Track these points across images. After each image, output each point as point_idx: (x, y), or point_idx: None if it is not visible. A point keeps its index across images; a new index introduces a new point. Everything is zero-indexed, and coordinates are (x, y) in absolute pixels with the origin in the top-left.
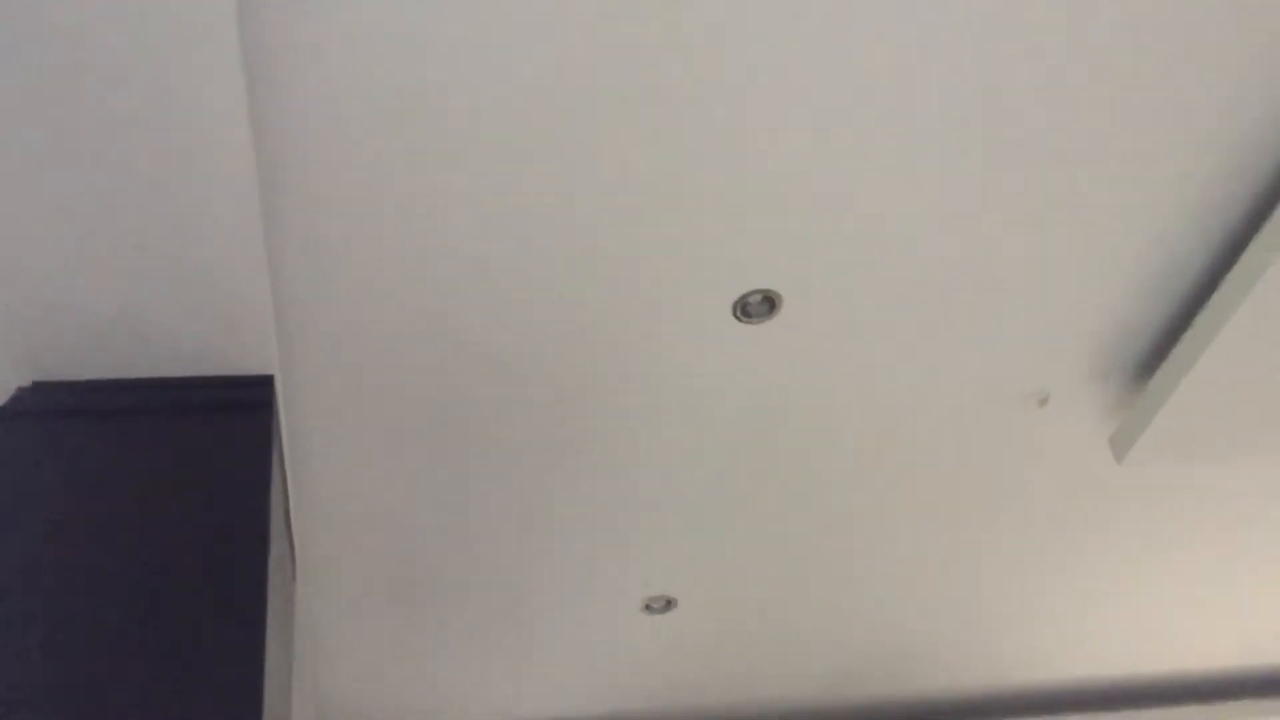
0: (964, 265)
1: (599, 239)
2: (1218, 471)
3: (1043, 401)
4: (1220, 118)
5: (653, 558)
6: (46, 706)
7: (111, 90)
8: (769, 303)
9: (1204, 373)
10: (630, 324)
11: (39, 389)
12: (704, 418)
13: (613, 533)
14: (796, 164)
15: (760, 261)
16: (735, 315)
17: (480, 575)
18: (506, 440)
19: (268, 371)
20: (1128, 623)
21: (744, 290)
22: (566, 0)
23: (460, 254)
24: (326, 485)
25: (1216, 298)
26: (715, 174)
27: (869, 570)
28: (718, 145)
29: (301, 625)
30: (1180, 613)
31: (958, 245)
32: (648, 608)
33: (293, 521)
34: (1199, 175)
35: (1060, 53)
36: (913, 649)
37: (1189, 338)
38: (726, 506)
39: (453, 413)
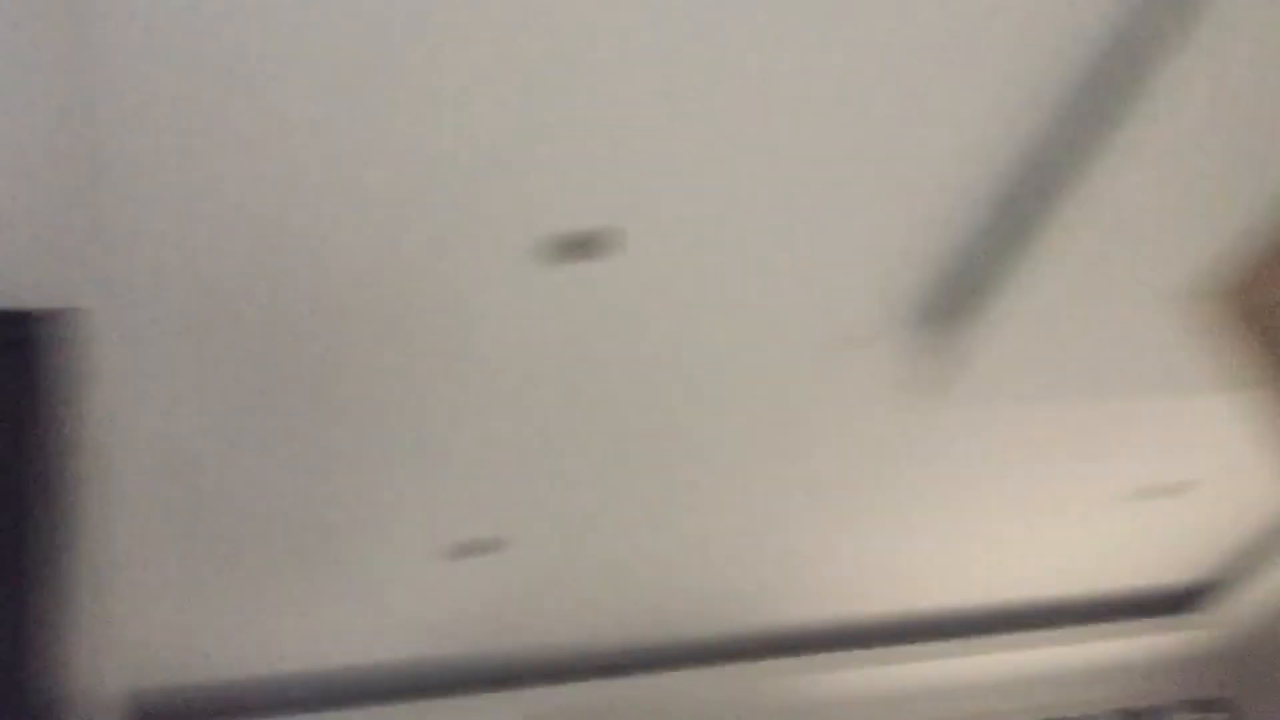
0: (779, 207)
1: (411, 175)
2: (1024, 411)
3: (857, 342)
4: (1009, 55)
5: (471, 500)
6: None
7: None
8: (584, 244)
9: (1012, 315)
10: (436, 264)
11: None
12: (519, 358)
13: (428, 474)
14: (604, 101)
15: (589, 200)
16: (546, 256)
17: (284, 518)
18: (315, 377)
19: (66, 305)
20: (940, 557)
21: (556, 230)
22: None
23: (277, 192)
24: (131, 421)
25: (1024, 246)
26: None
27: (692, 511)
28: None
29: (93, 569)
30: (988, 547)
31: (771, 187)
32: (463, 550)
33: (90, 459)
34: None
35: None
36: (735, 587)
37: (997, 282)
38: (548, 449)
39: (261, 347)
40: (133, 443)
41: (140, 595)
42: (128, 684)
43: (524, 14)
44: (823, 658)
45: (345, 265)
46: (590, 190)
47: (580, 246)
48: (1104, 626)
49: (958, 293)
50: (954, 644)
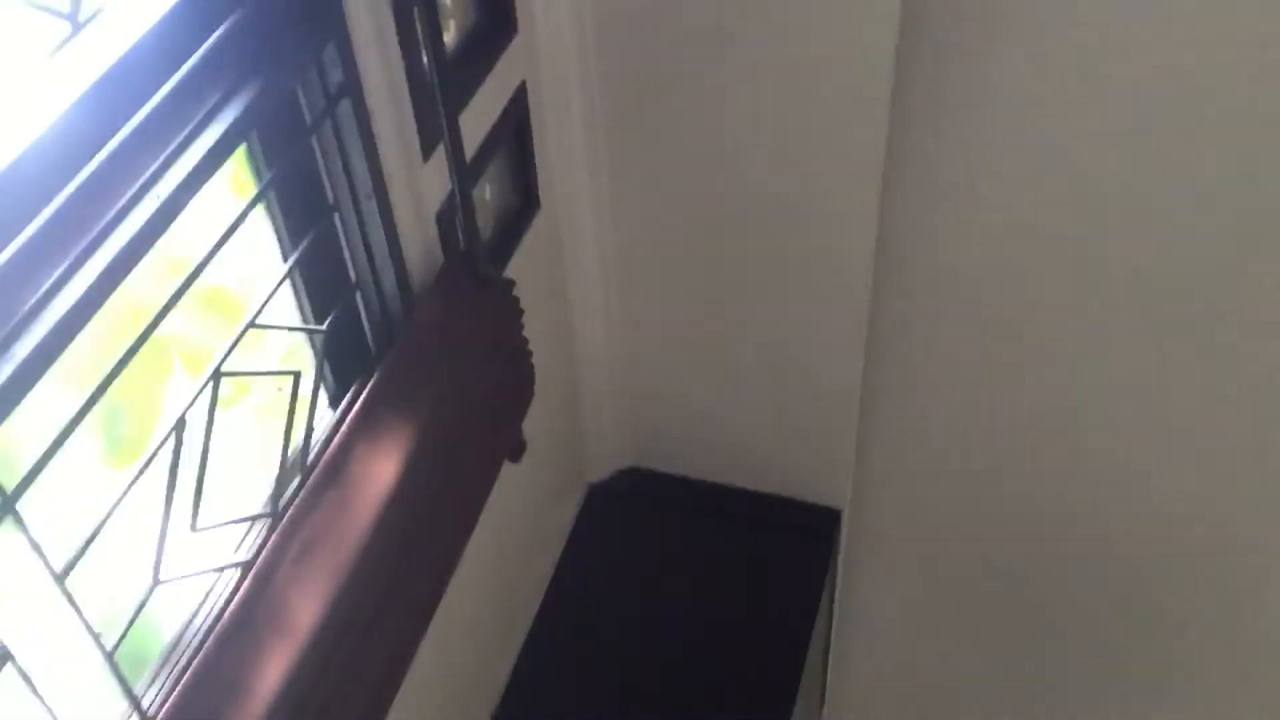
0: None
1: None
2: None
3: None
4: None
5: None
6: None
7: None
8: None
9: None
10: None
11: (635, 474)
12: None
13: None
14: None
15: None
16: None
17: None
18: (1075, 634)
19: (838, 505)
20: None
21: None
22: None
23: (1053, 425)
24: (866, 625)
25: None
26: None
27: None
28: None
29: None
30: None
31: None
32: None
33: (831, 655)
34: None
35: None
36: None
37: None
38: None
39: (1012, 588)
40: (865, 644)
41: None
42: None
43: None
44: None
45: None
46: None
47: None
48: None
49: None
50: None
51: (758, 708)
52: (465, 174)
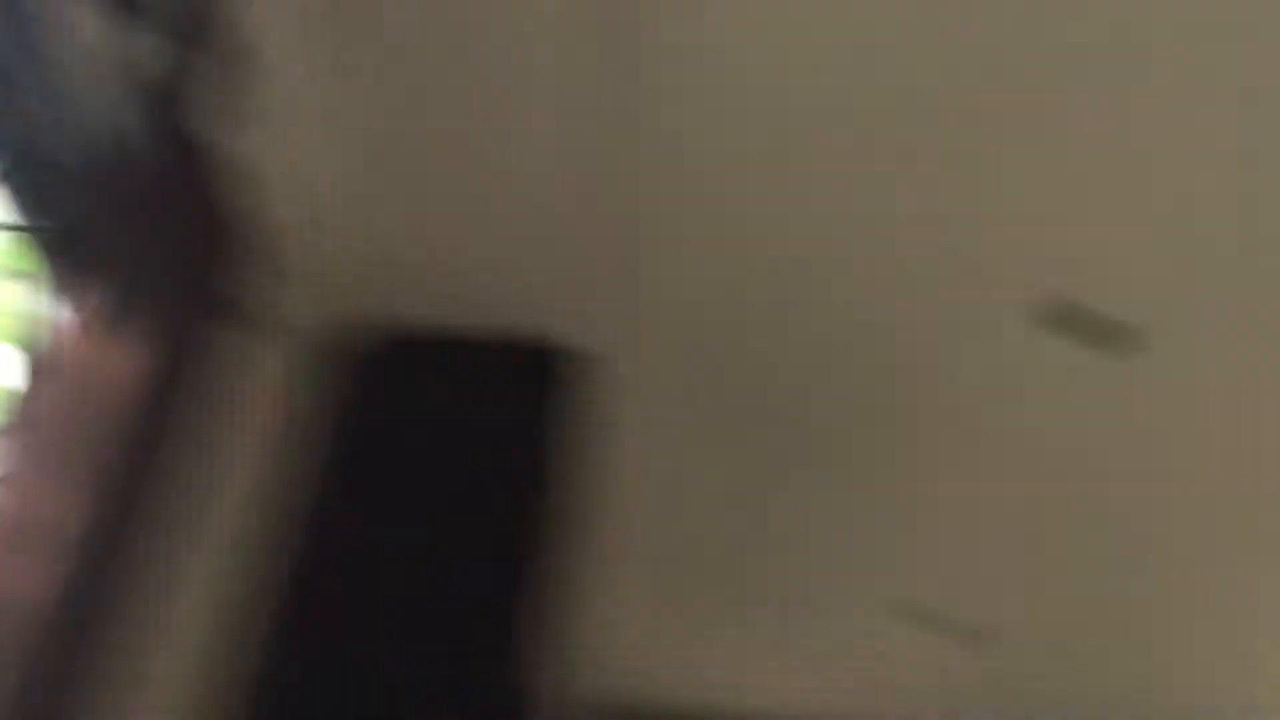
0: None
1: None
2: None
3: None
4: None
5: (950, 576)
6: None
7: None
8: (1123, 334)
9: None
10: (937, 323)
11: (389, 337)
12: (1030, 446)
13: (906, 538)
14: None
15: (1117, 288)
16: (1054, 331)
17: (765, 572)
18: (818, 441)
19: (596, 347)
20: None
21: (1074, 307)
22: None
23: (792, 253)
24: (629, 463)
25: None
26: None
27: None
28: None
29: (578, 599)
30: None
31: None
32: (929, 622)
33: (592, 495)
34: None
35: None
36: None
37: None
38: (1041, 541)
39: (765, 409)
40: (631, 478)
41: (616, 615)
42: (589, 695)
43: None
44: None
45: (854, 318)
46: (1120, 277)
47: (1100, 334)
48: None
49: None
50: None
51: (517, 553)
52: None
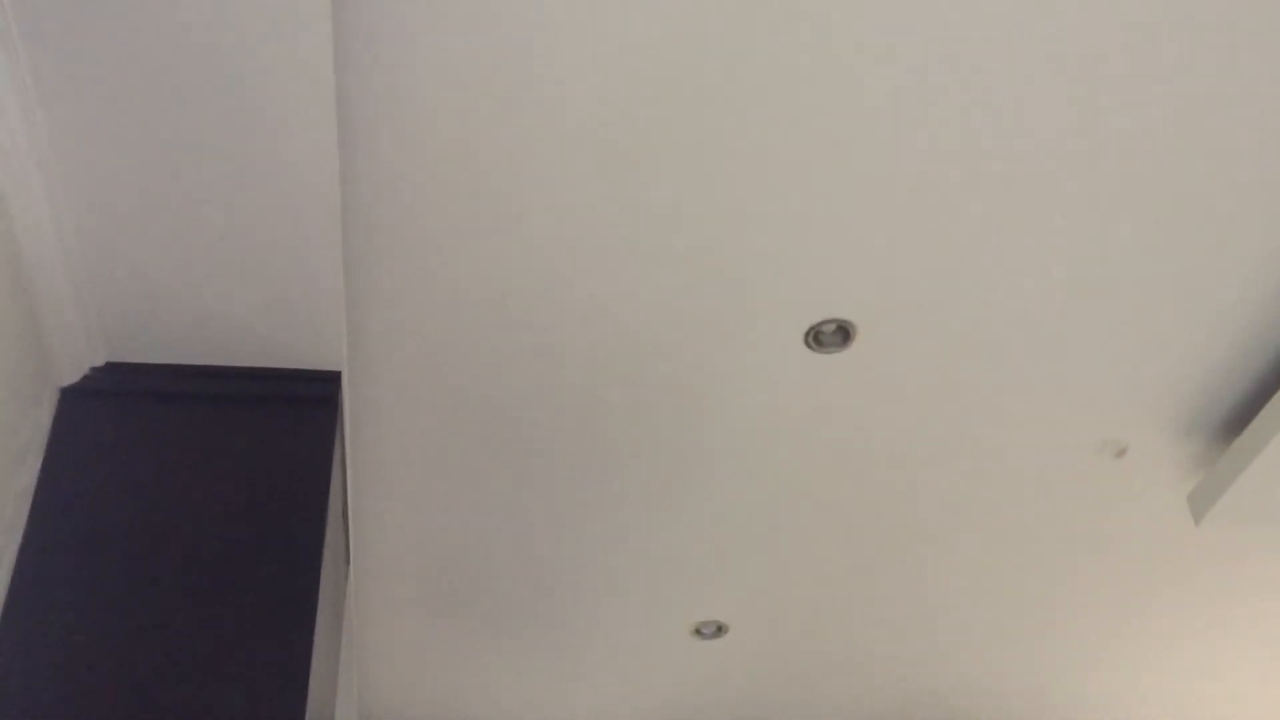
0: (1047, 309)
1: (681, 257)
2: None
3: (1120, 453)
4: None
5: (708, 582)
6: (87, 684)
7: (210, 94)
8: (843, 332)
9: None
10: (703, 345)
11: (112, 369)
12: (772, 446)
13: (670, 554)
14: (883, 200)
15: (837, 291)
16: (808, 344)
17: (531, 586)
18: (569, 451)
19: (336, 368)
20: (1186, 682)
21: (818, 319)
22: (669, 18)
23: (535, 259)
24: (385, 484)
25: None
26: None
27: (931, 608)
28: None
29: (349, 622)
30: (1246, 678)
31: (1041, 289)
32: (698, 632)
33: (350, 518)
34: None
35: (1158, 100)
36: (968, 687)
37: (1276, 400)
38: (789, 538)
39: (516, 420)
40: (385, 503)
41: (382, 638)
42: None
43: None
44: None
45: (623, 333)
46: (839, 285)
47: (839, 332)
48: None
49: (1237, 411)
50: None
51: (285, 578)
52: None
